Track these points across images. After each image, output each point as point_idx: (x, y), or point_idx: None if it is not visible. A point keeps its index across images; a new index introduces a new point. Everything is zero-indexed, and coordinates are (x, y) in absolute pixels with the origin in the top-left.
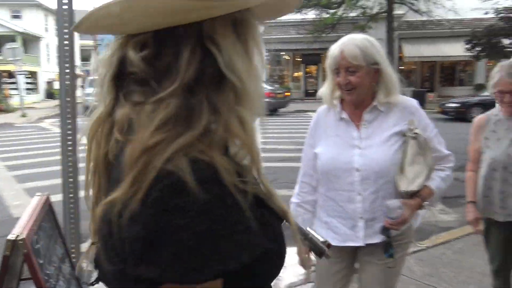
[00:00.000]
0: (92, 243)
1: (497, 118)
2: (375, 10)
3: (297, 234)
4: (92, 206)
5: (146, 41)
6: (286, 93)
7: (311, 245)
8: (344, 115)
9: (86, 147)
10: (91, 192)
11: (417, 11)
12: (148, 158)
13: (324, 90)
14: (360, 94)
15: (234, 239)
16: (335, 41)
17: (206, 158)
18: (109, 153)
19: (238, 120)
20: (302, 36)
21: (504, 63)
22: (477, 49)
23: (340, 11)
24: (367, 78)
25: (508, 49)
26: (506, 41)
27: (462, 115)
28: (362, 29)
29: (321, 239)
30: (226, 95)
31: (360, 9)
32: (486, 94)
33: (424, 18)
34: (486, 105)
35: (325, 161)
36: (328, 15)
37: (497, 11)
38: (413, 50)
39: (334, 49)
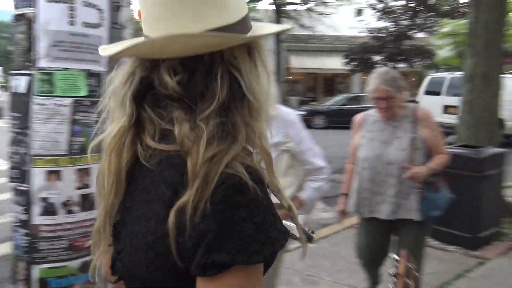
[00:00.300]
0: (109, 245)
1: (374, 119)
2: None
3: (299, 225)
4: (107, 213)
5: (175, 66)
6: None
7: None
8: None
9: (106, 159)
10: (110, 201)
11: (302, 25)
12: (209, 166)
13: None
14: None
15: (276, 226)
16: None
17: (251, 164)
18: (141, 159)
19: (254, 132)
20: None
21: (381, 70)
22: (353, 63)
23: None
24: None
25: (378, 65)
26: (376, 58)
27: (307, 122)
28: None
29: (306, 228)
30: (245, 111)
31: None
32: (330, 104)
33: (308, 33)
34: (327, 114)
35: None
36: None
37: (369, 30)
38: (299, 62)
39: None
